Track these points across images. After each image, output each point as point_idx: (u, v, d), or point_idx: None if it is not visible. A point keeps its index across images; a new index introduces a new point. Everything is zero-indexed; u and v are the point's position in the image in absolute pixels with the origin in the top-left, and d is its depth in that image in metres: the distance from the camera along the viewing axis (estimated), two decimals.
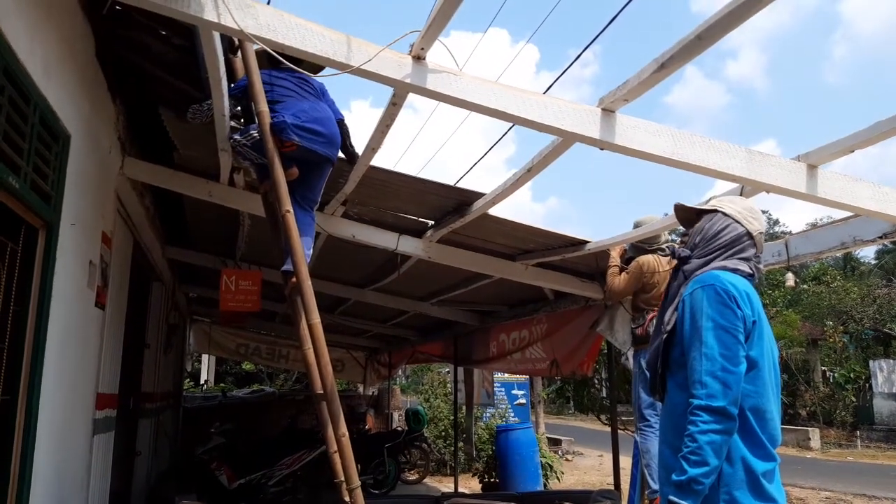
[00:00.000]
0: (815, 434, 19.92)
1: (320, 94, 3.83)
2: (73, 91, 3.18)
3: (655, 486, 4.44)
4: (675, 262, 2.66)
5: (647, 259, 4.74)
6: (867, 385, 22.28)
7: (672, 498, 2.11)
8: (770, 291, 26.71)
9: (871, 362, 22.55)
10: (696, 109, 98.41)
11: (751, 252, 2.46)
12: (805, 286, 27.81)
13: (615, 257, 4.85)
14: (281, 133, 3.35)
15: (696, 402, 2.14)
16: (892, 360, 22.32)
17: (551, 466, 10.99)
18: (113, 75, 3.84)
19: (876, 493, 11.39)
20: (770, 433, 2.24)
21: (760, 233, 2.51)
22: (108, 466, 4.86)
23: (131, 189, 4.72)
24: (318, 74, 3.67)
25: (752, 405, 2.20)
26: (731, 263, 2.41)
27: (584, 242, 4.79)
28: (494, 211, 4.28)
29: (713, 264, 2.41)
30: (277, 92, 3.54)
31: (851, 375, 22.64)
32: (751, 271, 2.43)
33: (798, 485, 12.18)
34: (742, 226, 2.47)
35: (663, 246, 4.76)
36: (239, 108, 3.70)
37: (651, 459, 4.54)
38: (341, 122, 3.86)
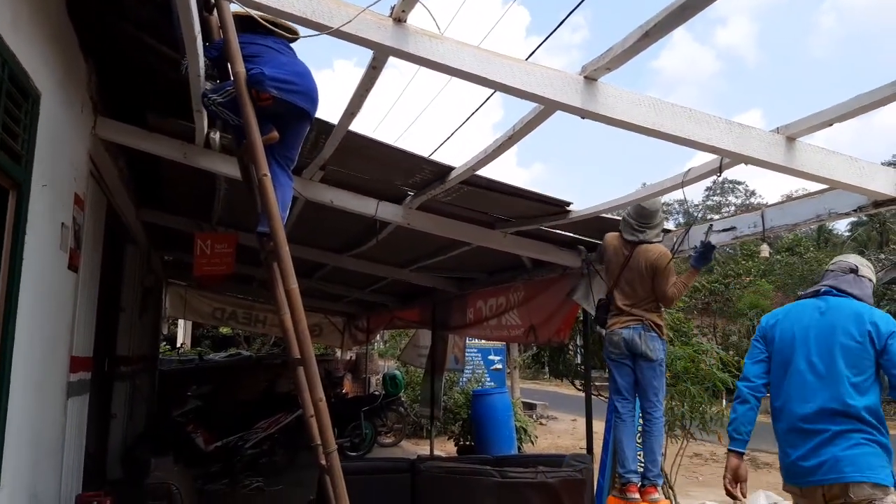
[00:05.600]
0: None
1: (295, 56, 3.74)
2: (43, 48, 3.09)
3: (622, 472, 4.52)
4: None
5: (605, 237, 4.84)
6: None
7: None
8: (744, 261, 27.06)
9: None
10: (684, 75, 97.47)
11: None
12: (778, 257, 28.19)
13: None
14: (258, 85, 3.24)
15: None
16: None
17: (526, 430, 11.16)
18: (85, 33, 3.74)
19: None
20: (789, 398, 3.30)
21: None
22: (83, 429, 4.85)
23: (104, 150, 4.63)
24: (296, 36, 3.60)
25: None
26: None
27: (567, 204, 4.71)
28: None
29: None
30: (254, 49, 3.44)
31: None
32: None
33: (765, 450, 12.47)
34: None
35: (650, 235, 4.66)
36: (215, 69, 3.61)
37: (622, 448, 4.58)
38: None
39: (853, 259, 3.59)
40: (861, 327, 3.21)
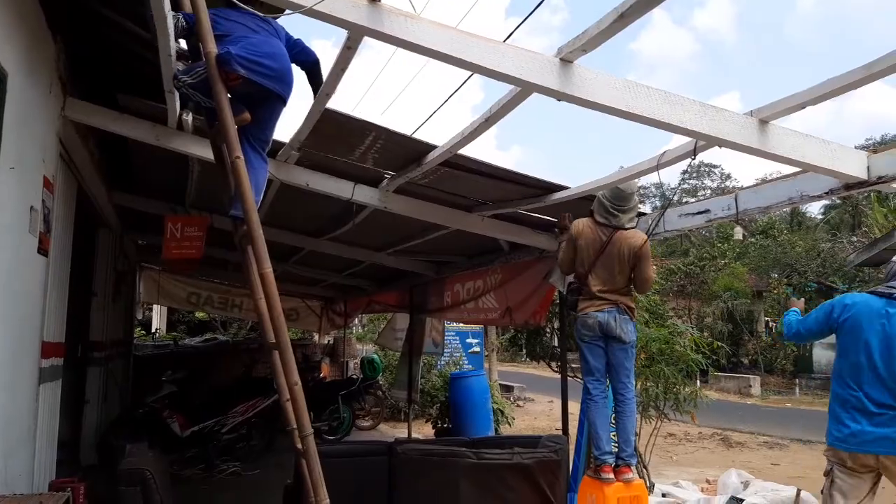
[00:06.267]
0: (756, 381, 20.75)
1: (277, 34, 3.64)
2: (8, 27, 3.02)
3: (597, 453, 4.55)
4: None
5: (576, 223, 4.65)
6: None
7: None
8: (719, 244, 27.38)
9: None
10: (662, 57, 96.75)
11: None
12: (752, 239, 28.55)
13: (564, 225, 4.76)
14: (225, 65, 3.14)
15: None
16: None
17: (503, 412, 11.23)
18: (53, 11, 3.65)
19: (811, 438, 11.92)
20: (852, 383, 3.75)
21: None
22: (56, 415, 4.80)
23: (74, 132, 4.54)
24: (269, 15, 3.52)
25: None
26: None
27: (560, 188, 4.73)
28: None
29: None
30: (226, 27, 3.34)
31: None
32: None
33: (738, 429, 12.72)
34: None
35: (624, 220, 4.53)
36: (186, 46, 3.53)
37: (596, 429, 4.59)
38: (315, 64, 3.69)
39: None
40: None
